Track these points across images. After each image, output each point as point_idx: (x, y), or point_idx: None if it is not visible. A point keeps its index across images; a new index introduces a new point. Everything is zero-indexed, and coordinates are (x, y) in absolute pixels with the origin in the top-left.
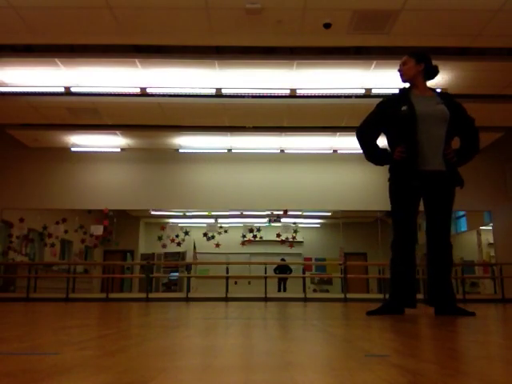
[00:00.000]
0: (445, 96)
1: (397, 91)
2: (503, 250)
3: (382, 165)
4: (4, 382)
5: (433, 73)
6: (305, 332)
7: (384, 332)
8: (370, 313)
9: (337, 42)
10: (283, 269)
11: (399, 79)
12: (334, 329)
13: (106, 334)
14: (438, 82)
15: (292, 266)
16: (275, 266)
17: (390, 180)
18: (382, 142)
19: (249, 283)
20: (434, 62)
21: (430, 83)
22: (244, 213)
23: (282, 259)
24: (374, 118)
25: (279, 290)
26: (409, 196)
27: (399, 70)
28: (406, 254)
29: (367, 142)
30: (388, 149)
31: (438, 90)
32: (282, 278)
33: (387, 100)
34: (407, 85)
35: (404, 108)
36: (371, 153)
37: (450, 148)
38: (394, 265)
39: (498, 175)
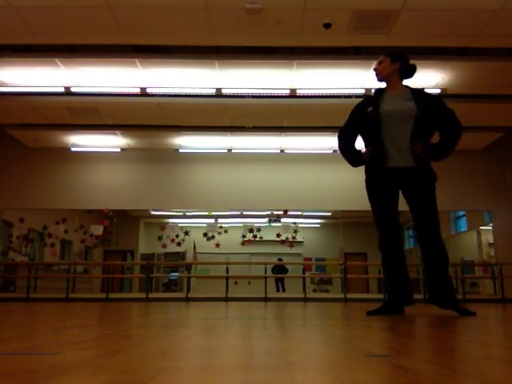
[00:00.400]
0: (417, 92)
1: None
2: (503, 250)
3: (357, 166)
4: (4, 382)
5: (410, 71)
6: (305, 332)
7: (384, 332)
8: (370, 313)
9: (337, 42)
10: (280, 269)
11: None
12: (334, 329)
13: (105, 334)
14: (438, 82)
15: (292, 266)
16: (272, 266)
17: (365, 180)
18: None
19: (249, 283)
20: (434, 62)
21: (426, 84)
22: (244, 213)
23: (279, 259)
24: (350, 120)
25: (278, 290)
26: (383, 194)
27: (375, 69)
28: (393, 252)
29: (343, 145)
30: (362, 149)
31: (419, 87)
32: (280, 278)
33: (362, 101)
34: (384, 84)
35: (370, 109)
36: (346, 154)
37: (418, 143)
38: (385, 265)
39: (498, 175)
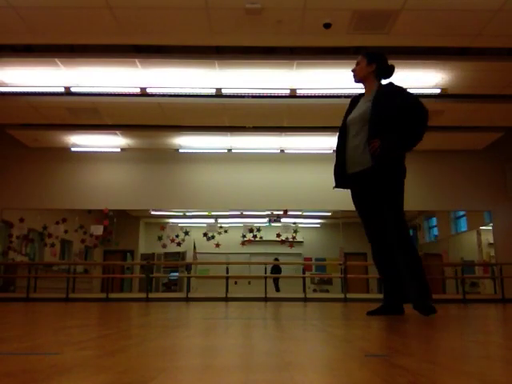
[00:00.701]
0: (381, 89)
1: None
2: (503, 250)
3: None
4: (4, 382)
5: (387, 72)
6: (305, 332)
7: (384, 332)
8: (370, 313)
9: (337, 42)
10: (277, 269)
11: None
12: (334, 329)
13: (105, 334)
14: (438, 82)
15: (292, 266)
16: (271, 266)
17: None
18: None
19: (249, 283)
20: (434, 62)
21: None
22: (244, 213)
23: (276, 259)
24: (340, 126)
25: (277, 290)
26: (355, 200)
27: (352, 70)
28: (382, 252)
29: (336, 152)
30: None
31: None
32: (275, 278)
33: (348, 106)
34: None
35: (343, 120)
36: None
37: (374, 141)
38: (377, 265)
39: (498, 175)
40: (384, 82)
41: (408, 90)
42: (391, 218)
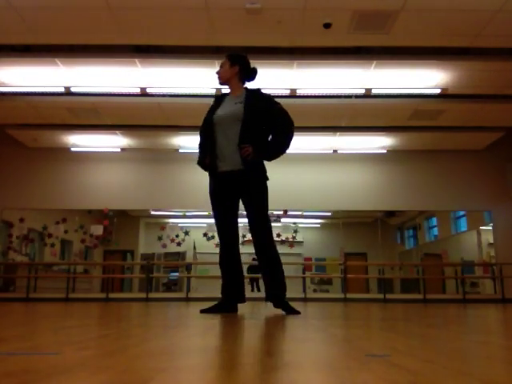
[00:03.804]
0: (251, 93)
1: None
2: (503, 250)
3: (205, 170)
4: (4, 382)
5: (251, 74)
6: (305, 332)
7: (384, 332)
8: (203, 311)
9: (337, 42)
10: (255, 268)
11: (217, 81)
12: (334, 329)
13: (105, 334)
14: (438, 82)
15: (292, 266)
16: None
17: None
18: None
19: (248, 283)
20: (434, 62)
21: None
22: (244, 213)
23: (254, 259)
24: (203, 122)
25: (252, 290)
26: (217, 199)
27: (217, 73)
28: (230, 254)
29: (202, 146)
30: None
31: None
32: (255, 278)
33: (212, 104)
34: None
35: (207, 115)
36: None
37: (246, 146)
38: (222, 266)
39: (498, 175)
40: (249, 84)
41: (275, 99)
42: (260, 220)
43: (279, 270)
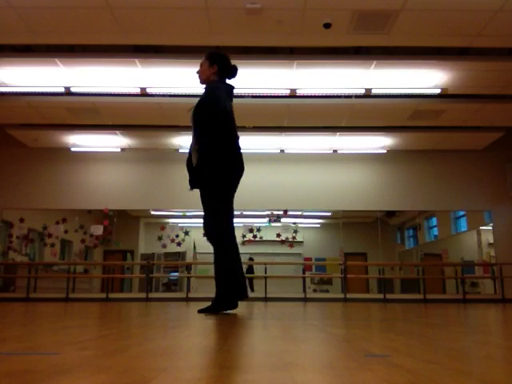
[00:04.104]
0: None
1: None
2: (503, 250)
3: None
4: (4, 382)
5: (231, 72)
6: (305, 332)
7: (384, 332)
8: (201, 311)
9: (337, 42)
10: (250, 268)
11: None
12: (334, 329)
13: (105, 334)
14: (438, 82)
15: (292, 266)
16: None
17: None
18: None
19: (248, 283)
20: (434, 62)
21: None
22: (244, 213)
23: (250, 258)
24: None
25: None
26: (233, 189)
27: (197, 73)
28: (235, 250)
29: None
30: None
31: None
32: (250, 278)
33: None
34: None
35: (226, 104)
36: None
37: (196, 143)
38: (233, 264)
39: (498, 175)
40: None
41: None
42: (205, 223)
43: (219, 277)
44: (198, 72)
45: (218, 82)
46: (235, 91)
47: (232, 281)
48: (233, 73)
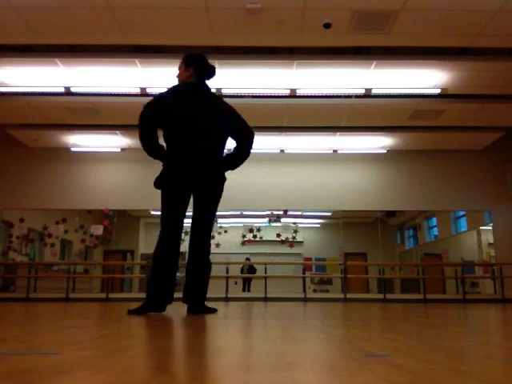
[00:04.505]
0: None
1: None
2: (503, 250)
3: None
4: (4, 382)
5: (208, 73)
6: (305, 332)
7: (384, 332)
8: (131, 312)
9: (337, 42)
10: (250, 269)
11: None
12: (334, 329)
13: (105, 334)
14: (438, 82)
15: (292, 266)
16: (242, 266)
17: None
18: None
19: (248, 283)
20: (434, 62)
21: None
22: (244, 213)
23: (247, 258)
24: None
25: (244, 291)
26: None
27: (176, 75)
28: (174, 253)
29: None
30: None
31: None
32: (248, 278)
33: None
34: None
35: None
36: None
37: None
38: (163, 264)
39: (498, 175)
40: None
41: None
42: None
43: (208, 277)
44: (177, 76)
45: (179, 85)
46: (235, 91)
47: (156, 284)
48: (210, 73)
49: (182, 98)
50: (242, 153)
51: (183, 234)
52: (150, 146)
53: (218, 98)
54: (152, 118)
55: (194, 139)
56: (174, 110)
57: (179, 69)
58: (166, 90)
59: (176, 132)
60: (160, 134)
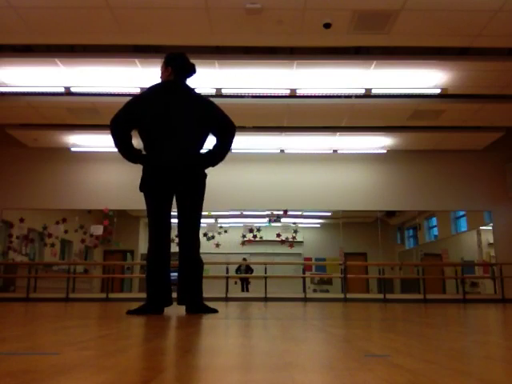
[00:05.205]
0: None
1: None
2: (503, 250)
3: None
4: (4, 382)
5: (187, 71)
6: (305, 332)
7: (384, 332)
8: (130, 312)
9: (337, 42)
10: (247, 269)
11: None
12: (334, 329)
13: (106, 334)
14: (438, 82)
15: (292, 266)
16: (238, 266)
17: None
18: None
19: (248, 283)
20: (434, 62)
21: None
22: (244, 213)
23: (244, 259)
24: None
25: (242, 291)
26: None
27: (160, 76)
28: (164, 254)
29: None
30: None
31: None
32: (245, 278)
33: None
34: None
35: None
36: None
37: None
38: (157, 266)
39: (498, 175)
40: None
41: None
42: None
43: (201, 275)
44: (160, 76)
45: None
46: (235, 91)
47: (153, 286)
48: (190, 72)
49: (157, 97)
50: (222, 149)
51: (172, 234)
52: (123, 149)
53: (197, 95)
54: (123, 121)
55: (166, 137)
56: (149, 109)
57: (160, 68)
58: (146, 89)
59: (150, 131)
60: (135, 134)
